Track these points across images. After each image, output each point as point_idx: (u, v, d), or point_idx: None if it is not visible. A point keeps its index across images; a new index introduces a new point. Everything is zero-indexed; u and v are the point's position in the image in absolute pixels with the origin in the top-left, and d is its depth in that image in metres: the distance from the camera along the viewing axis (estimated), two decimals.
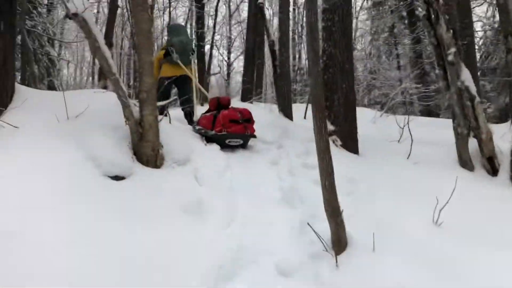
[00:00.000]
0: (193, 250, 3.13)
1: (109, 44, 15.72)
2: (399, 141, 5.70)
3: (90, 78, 25.68)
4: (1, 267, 2.38)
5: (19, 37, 5.95)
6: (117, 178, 3.72)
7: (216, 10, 12.58)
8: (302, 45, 25.15)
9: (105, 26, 17.46)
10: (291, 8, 19.52)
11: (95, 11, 24.49)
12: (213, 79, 29.02)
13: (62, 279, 2.45)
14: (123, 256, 2.83)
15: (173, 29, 6.45)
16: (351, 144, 4.89)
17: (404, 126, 5.68)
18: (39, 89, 10.16)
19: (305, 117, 8.29)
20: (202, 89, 6.42)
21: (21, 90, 4.67)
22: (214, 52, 27.03)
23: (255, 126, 5.82)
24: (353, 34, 25.98)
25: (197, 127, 5.60)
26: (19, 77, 6.33)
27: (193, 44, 6.31)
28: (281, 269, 3.05)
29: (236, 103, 8.09)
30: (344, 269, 2.88)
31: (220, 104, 5.66)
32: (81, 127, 4.07)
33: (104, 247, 2.86)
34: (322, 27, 5.11)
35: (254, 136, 5.40)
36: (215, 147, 5.22)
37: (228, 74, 25.62)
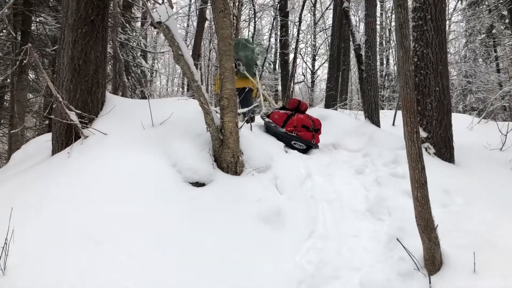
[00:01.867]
0: (271, 262, 2.99)
1: (197, 55, 16.35)
2: (501, 149, 5.12)
3: (180, 88, 26.77)
4: (83, 273, 2.41)
5: (112, 49, 6.29)
6: (197, 184, 3.71)
7: (300, 18, 12.42)
8: (390, 50, 24.23)
9: (194, 38, 18.24)
10: (378, 13, 18.94)
11: (185, 24, 25.64)
12: (297, 87, 29.03)
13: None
14: (198, 265, 2.76)
15: (239, 44, 6.75)
16: (445, 152, 4.46)
17: (508, 132, 5.10)
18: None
19: (393, 124, 7.81)
20: (267, 96, 6.73)
21: (111, 99, 4.89)
22: (299, 60, 27.06)
23: (337, 133, 5.72)
24: (446, 36, 24.64)
25: (267, 120, 5.77)
26: (111, 87, 6.71)
27: (256, 58, 6.78)
28: (366, 286, 2.81)
29: (315, 110, 7.94)
30: None
31: (298, 107, 5.96)
32: (164, 134, 4.13)
33: (183, 254, 2.83)
34: (412, 26, 4.76)
35: (317, 146, 5.65)
36: (296, 154, 5.07)
37: (313, 82, 25.39)
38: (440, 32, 4.54)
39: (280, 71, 13.06)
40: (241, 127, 4.36)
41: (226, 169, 4.05)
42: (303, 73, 28.49)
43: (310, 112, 7.68)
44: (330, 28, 12.13)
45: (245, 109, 4.99)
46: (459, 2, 21.56)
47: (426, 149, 4.53)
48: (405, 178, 4.11)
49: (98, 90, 4.63)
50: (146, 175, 3.54)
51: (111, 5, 5.91)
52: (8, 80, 9.25)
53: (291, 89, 23.51)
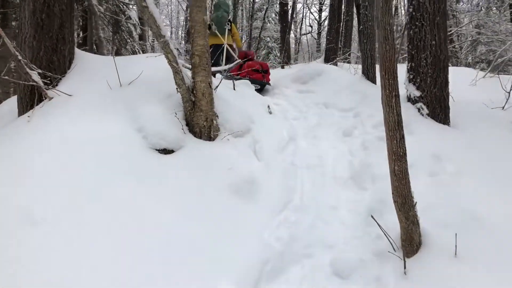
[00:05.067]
0: (236, 240, 2.72)
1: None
2: (503, 107, 4.70)
3: (183, 41, 25.95)
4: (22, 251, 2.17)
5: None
6: (165, 151, 3.41)
7: None
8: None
9: None
10: None
11: None
12: (304, 38, 28.14)
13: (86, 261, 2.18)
14: (151, 244, 2.49)
15: (215, 6, 7.57)
16: (440, 112, 4.07)
17: (511, 89, 4.66)
18: (123, 55, 10.33)
19: None
20: (232, 52, 6.92)
21: (80, 56, 4.51)
22: (306, 11, 26.07)
23: (330, 90, 5.92)
24: None
25: (227, 74, 6.36)
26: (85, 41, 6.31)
27: (229, 17, 7.33)
28: (337, 268, 2.55)
29: (310, 65, 7.61)
30: (414, 278, 2.27)
31: (246, 56, 7.12)
32: (132, 95, 3.80)
33: (141, 229, 2.57)
34: None
35: (269, 84, 6.66)
36: (280, 116, 4.73)
37: (319, 34, 24.53)
38: None
39: (279, 22, 12.41)
40: (216, 87, 4.01)
41: (198, 134, 3.73)
42: (310, 24, 27.55)
43: (305, 66, 7.44)
44: None
45: (219, 68, 4.60)
46: None
47: (419, 110, 4.15)
48: None
49: (64, 47, 4.25)
50: (107, 141, 3.23)
51: None
52: None
53: (298, 41, 22.77)
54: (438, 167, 3.29)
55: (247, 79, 6.09)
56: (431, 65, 4.05)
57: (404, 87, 4.40)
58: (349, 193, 3.41)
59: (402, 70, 4.67)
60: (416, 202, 2.39)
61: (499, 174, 3.16)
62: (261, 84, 6.48)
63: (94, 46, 6.32)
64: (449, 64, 13.40)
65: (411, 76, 4.25)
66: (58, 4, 4.15)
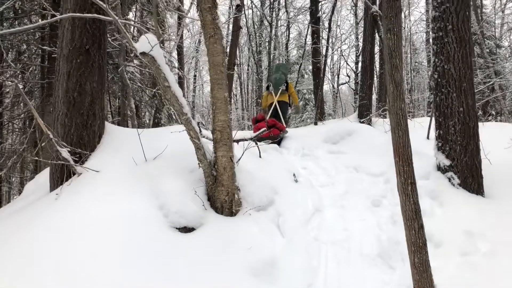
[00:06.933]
0: None
1: (233, 65, 16.09)
2: None
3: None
4: None
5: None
6: (185, 229, 3.38)
7: (330, 25, 11.86)
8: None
9: (229, 47, 18.03)
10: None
11: (225, 33, 25.45)
12: (344, 88, 28.31)
13: None
14: None
15: (272, 68, 9.03)
16: (472, 182, 3.86)
17: None
18: (160, 118, 10.68)
19: (428, 137, 7.13)
20: (278, 110, 8.09)
21: (110, 130, 4.66)
22: (342, 62, 26.43)
23: (361, 152, 5.90)
24: (499, 29, 22.98)
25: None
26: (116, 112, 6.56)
27: (286, 78, 8.36)
28: None
29: (341, 124, 7.59)
30: None
31: (257, 120, 7.67)
32: (156, 171, 3.84)
33: None
34: (432, 38, 4.21)
35: (277, 136, 7.16)
36: (306, 183, 4.63)
37: (357, 84, 24.63)
38: (463, 44, 3.95)
39: (312, 79, 12.52)
40: (238, 160, 4.00)
41: (220, 209, 3.70)
42: (347, 74, 27.75)
43: (336, 125, 7.43)
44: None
45: (241, 138, 4.61)
46: None
47: (449, 179, 3.96)
48: (425, 215, 3.59)
49: (94, 123, 4.41)
50: (127, 222, 3.25)
51: (117, 28, 5.72)
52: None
53: (337, 93, 22.93)
54: (470, 246, 3.08)
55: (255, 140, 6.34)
56: (460, 133, 3.90)
57: (434, 155, 4.25)
58: (377, 272, 3.23)
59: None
60: None
61: None
62: (270, 139, 6.90)
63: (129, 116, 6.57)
64: (495, 116, 12.72)
65: (440, 144, 4.10)
66: (89, 82, 4.35)
